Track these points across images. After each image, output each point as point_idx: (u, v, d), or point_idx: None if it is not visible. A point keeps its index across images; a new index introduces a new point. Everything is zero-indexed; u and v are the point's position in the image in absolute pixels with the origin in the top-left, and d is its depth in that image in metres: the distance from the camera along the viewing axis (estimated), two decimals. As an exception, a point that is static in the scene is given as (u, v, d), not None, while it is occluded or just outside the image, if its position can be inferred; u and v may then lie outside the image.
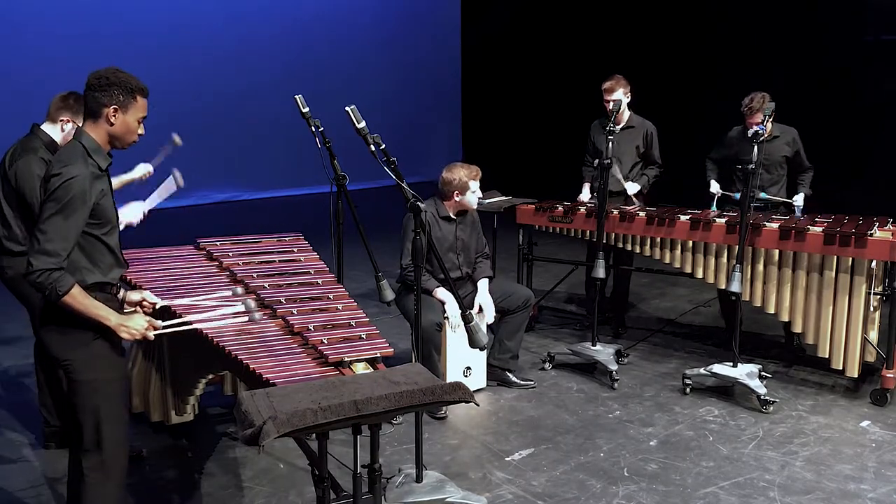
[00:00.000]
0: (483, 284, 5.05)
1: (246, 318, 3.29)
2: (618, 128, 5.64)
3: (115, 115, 2.91)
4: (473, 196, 4.99)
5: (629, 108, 5.86)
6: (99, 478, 3.01)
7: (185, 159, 12.11)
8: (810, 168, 5.63)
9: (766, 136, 5.41)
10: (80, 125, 2.98)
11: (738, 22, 10.11)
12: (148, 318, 3.01)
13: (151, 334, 2.97)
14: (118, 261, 3.04)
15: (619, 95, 5.66)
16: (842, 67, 9.18)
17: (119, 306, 3.07)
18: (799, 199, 5.55)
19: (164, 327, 3.06)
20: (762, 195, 5.45)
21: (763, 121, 5.06)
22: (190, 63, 11.37)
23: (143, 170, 4.56)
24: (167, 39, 11.16)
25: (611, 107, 5.55)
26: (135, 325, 2.93)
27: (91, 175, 2.85)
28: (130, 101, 2.92)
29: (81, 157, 2.87)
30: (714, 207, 5.61)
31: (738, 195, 5.35)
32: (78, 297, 2.80)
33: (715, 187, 5.71)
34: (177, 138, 4.46)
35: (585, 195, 5.98)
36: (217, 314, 3.30)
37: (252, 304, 3.34)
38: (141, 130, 3.00)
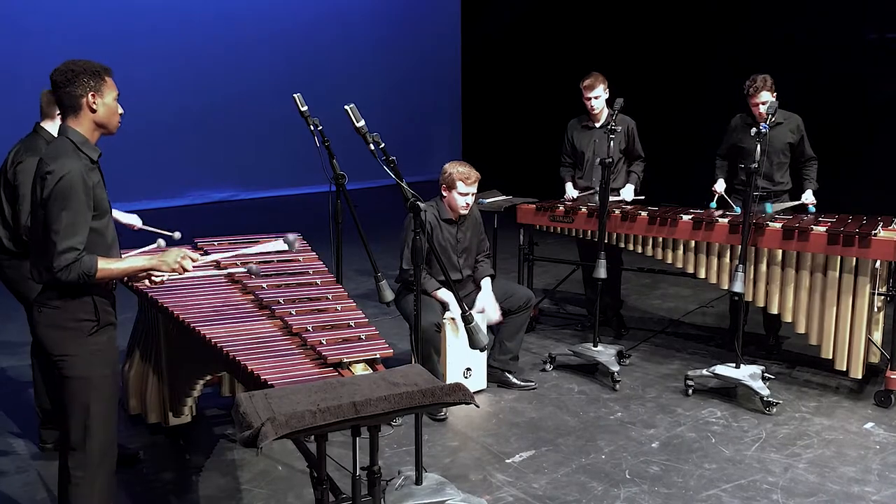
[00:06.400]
0: (486, 283, 5.01)
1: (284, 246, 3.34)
2: (597, 125, 5.80)
3: (94, 102, 2.93)
4: (461, 198, 4.87)
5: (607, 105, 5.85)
6: (85, 477, 2.98)
7: (183, 158, 12.11)
8: (814, 158, 5.57)
9: (770, 121, 5.40)
10: (63, 122, 2.99)
11: (739, 20, 10.08)
12: (182, 250, 3.06)
13: (189, 264, 3.01)
14: (115, 252, 3.05)
15: (600, 92, 5.70)
16: (845, 65, 9.15)
17: (112, 303, 3.07)
18: (809, 196, 5.47)
19: (202, 263, 3.17)
20: (767, 207, 5.29)
21: (768, 117, 5.03)
22: (189, 62, 11.37)
23: (132, 219, 4.49)
24: (166, 39, 11.14)
25: (593, 103, 5.71)
26: (169, 258, 2.97)
27: (84, 167, 2.87)
28: (102, 83, 2.95)
29: (71, 151, 2.89)
30: (713, 205, 5.55)
31: (738, 209, 5.29)
32: (108, 268, 2.86)
33: (720, 186, 5.64)
34: (176, 235, 4.38)
35: (572, 192, 5.94)
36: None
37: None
38: (120, 109, 3.03)
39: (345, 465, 3.84)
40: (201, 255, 3.37)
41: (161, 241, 4.18)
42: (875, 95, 9.00)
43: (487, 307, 4.89)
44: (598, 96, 5.69)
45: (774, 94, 5.38)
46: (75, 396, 2.95)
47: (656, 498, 3.79)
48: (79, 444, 2.96)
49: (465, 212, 4.96)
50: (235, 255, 3.44)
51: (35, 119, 4.10)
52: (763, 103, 5.30)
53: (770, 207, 5.28)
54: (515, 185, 7.13)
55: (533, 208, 5.90)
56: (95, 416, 2.95)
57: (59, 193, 2.79)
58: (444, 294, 4.82)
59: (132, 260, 2.99)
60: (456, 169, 4.88)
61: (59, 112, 3.92)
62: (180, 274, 3.04)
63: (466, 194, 4.88)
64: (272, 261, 4.16)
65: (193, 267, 3.06)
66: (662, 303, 7.01)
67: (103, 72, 2.95)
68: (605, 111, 5.80)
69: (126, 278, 3.10)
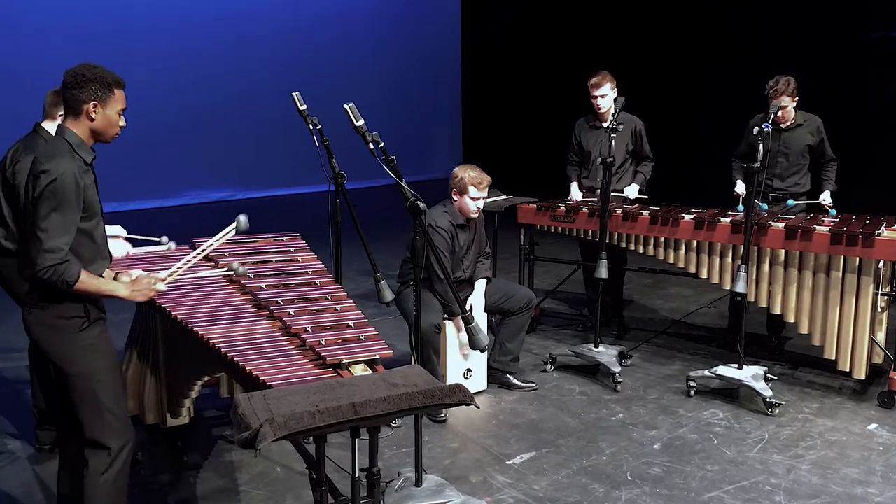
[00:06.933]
0: (480, 285, 4.98)
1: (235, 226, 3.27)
2: (605, 124, 5.70)
3: (95, 111, 2.95)
4: (472, 203, 4.85)
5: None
6: (103, 466, 3.00)
7: (181, 158, 12.08)
8: (833, 160, 5.53)
9: (789, 123, 5.37)
10: (62, 122, 3.01)
11: (739, 20, 10.06)
12: (150, 274, 3.09)
13: (161, 286, 3.05)
14: (102, 254, 3.06)
15: (607, 91, 5.65)
16: (845, 65, 9.12)
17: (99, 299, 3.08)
18: (826, 197, 5.44)
19: (170, 275, 3.14)
20: (790, 202, 5.33)
21: (770, 116, 4.99)
22: (189, 62, 11.34)
23: (114, 230, 4.15)
24: (166, 39, 11.12)
25: (599, 102, 5.65)
26: (142, 287, 3.01)
27: (78, 169, 2.89)
28: (108, 95, 2.96)
29: (67, 152, 2.91)
30: (740, 208, 5.48)
31: (763, 205, 5.25)
32: (87, 281, 2.88)
33: (740, 187, 5.58)
34: (172, 245, 4.28)
35: (576, 194, 5.92)
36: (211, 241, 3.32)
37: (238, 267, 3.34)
38: (122, 122, 3.05)
39: (344, 467, 3.82)
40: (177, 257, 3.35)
41: (171, 245, 4.15)
42: (876, 95, 8.98)
43: (474, 309, 4.86)
44: (604, 95, 5.63)
45: (796, 98, 5.30)
46: (81, 391, 2.97)
47: (658, 500, 3.76)
48: (96, 435, 2.98)
49: (476, 216, 4.94)
50: (195, 258, 3.35)
51: (35, 118, 4.09)
52: (784, 108, 5.24)
53: (792, 202, 5.32)
54: (516, 184, 7.09)
55: (534, 208, 5.87)
56: (106, 407, 2.98)
57: (52, 193, 2.81)
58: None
59: (112, 284, 3.00)
60: (468, 174, 4.85)
61: (61, 113, 3.94)
62: (157, 294, 3.10)
63: (478, 199, 4.86)
64: (271, 261, 4.14)
65: (167, 285, 3.09)
66: (664, 303, 6.98)
67: (114, 84, 2.97)
68: (613, 111, 5.78)
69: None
